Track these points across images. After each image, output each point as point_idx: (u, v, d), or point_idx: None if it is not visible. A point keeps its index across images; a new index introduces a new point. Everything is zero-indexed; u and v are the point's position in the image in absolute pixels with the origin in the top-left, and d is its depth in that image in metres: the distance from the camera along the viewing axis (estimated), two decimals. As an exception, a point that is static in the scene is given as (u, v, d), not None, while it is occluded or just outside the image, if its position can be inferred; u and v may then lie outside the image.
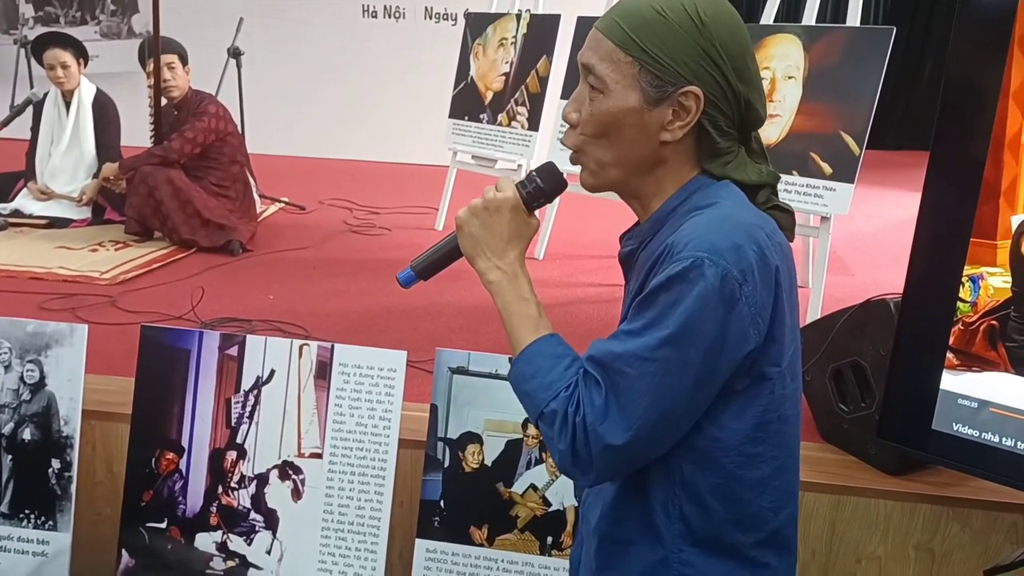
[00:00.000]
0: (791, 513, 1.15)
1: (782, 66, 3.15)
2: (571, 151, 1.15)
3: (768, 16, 3.49)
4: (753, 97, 1.10)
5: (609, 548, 1.16)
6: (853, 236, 4.68)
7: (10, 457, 2.15)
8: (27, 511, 2.13)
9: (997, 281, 1.66)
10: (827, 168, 2.97)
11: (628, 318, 1.07)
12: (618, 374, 1.03)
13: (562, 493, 2.00)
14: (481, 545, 2.02)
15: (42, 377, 2.15)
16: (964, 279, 1.67)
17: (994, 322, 1.65)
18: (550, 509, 2.00)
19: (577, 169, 1.17)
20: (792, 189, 3.01)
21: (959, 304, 1.68)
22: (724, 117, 1.09)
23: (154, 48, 4.10)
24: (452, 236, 1.20)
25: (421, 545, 2.03)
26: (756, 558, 1.12)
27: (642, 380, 1.01)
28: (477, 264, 1.17)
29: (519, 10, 4.62)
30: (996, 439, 1.63)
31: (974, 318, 1.68)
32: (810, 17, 3.41)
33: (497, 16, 4.65)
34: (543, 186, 1.18)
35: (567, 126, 1.15)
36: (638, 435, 1.02)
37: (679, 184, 1.12)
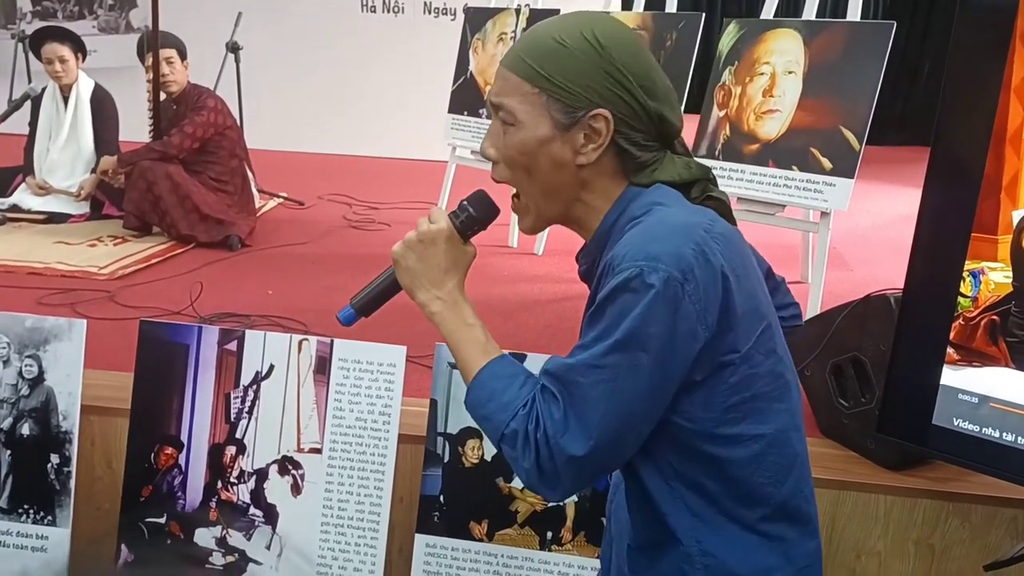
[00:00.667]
0: (796, 486, 1.15)
1: (782, 61, 3.15)
2: (512, 199, 1.19)
3: (768, 11, 3.48)
4: (665, 110, 1.13)
5: (636, 556, 1.18)
6: (853, 232, 4.67)
7: (9, 452, 2.15)
8: (26, 506, 2.13)
9: (998, 276, 1.66)
10: (827, 163, 2.96)
11: (581, 334, 1.09)
12: (572, 384, 1.04)
13: (562, 488, 1.99)
14: (481, 540, 2.02)
15: (41, 372, 2.14)
16: (965, 274, 1.67)
17: (995, 317, 1.65)
18: (550, 504, 2.00)
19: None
20: (792, 184, 3.01)
21: (960, 299, 1.68)
22: (639, 133, 1.12)
23: (153, 43, 4.09)
24: (390, 270, 1.22)
25: (421, 540, 2.03)
26: (768, 532, 1.13)
27: (595, 388, 1.03)
28: (417, 297, 1.19)
29: (518, 5, 4.61)
30: (997, 434, 1.63)
31: (975, 313, 1.67)
32: (810, 12, 3.40)
33: (496, 11, 4.64)
34: (475, 214, 1.20)
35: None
36: (599, 443, 1.03)
37: (611, 200, 1.14)
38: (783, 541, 1.14)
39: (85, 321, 2.17)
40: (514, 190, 1.19)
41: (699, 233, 1.06)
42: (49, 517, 2.12)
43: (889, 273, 2.88)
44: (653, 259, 1.02)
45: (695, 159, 1.17)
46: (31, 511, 2.13)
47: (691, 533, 1.12)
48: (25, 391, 2.15)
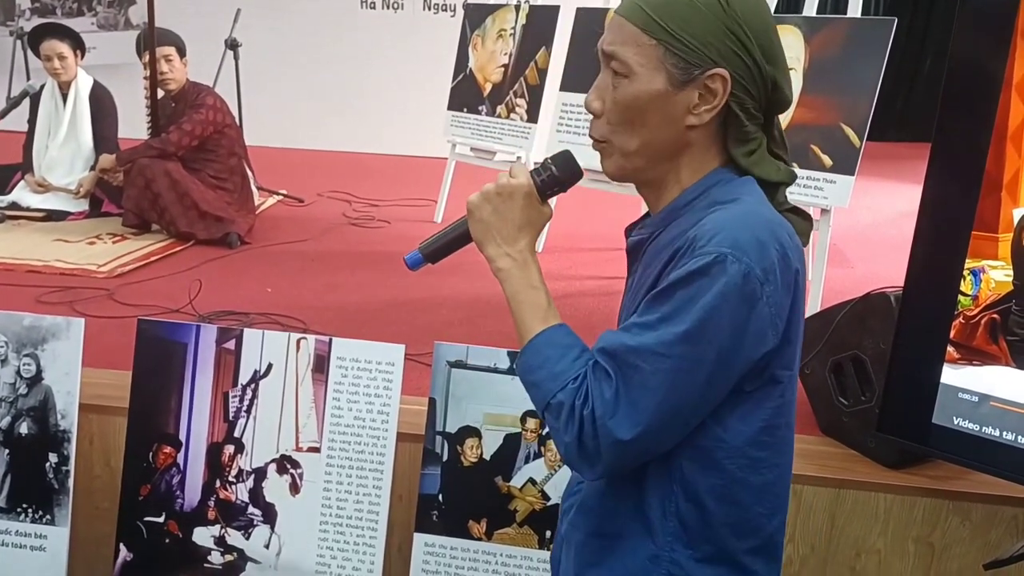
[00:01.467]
0: (782, 520, 1.14)
1: (782, 57, 3.14)
2: (593, 140, 1.13)
3: (769, 7, 3.47)
4: (780, 77, 1.08)
5: (596, 543, 1.14)
6: (853, 228, 4.67)
7: (7, 451, 2.14)
8: (24, 505, 2.13)
9: (998, 274, 1.65)
10: (827, 160, 2.95)
11: (641, 311, 1.04)
12: (631, 368, 1.01)
13: (561, 487, 1.98)
14: (480, 539, 2.01)
15: (39, 371, 2.14)
16: (965, 272, 1.67)
17: (995, 316, 1.65)
18: (549, 503, 1.99)
19: (591, 160, 1.15)
20: (792, 181, 3.00)
21: (960, 297, 1.68)
22: (751, 99, 1.07)
23: (149, 40, 4.08)
24: (462, 220, 1.17)
25: (420, 539, 2.03)
26: (747, 565, 1.10)
27: (656, 376, 1.00)
28: (487, 250, 1.14)
29: (518, 1, 4.60)
30: (996, 433, 1.63)
31: (975, 312, 1.67)
32: (811, 8, 3.39)
33: (496, 7, 4.63)
34: (558, 174, 1.15)
35: (591, 116, 1.12)
36: (648, 430, 1.00)
37: (698, 173, 1.10)
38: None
39: (83, 320, 2.17)
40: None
41: (784, 236, 1.03)
42: (48, 516, 2.12)
43: (889, 270, 2.88)
44: (739, 249, 0.98)
45: (785, 160, 1.13)
46: (30, 510, 2.13)
47: (670, 540, 1.09)
48: (23, 390, 2.14)
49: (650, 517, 1.09)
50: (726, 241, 0.99)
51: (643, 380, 1.00)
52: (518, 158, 4.38)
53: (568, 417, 1.03)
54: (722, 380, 1.02)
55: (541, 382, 1.07)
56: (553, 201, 1.23)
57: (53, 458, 2.12)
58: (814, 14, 3.38)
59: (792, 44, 3.14)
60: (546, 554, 1.99)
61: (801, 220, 1.13)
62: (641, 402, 1.00)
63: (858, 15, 3.26)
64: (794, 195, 3.01)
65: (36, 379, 2.14)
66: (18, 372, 2.15)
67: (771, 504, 1.11)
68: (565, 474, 1.99)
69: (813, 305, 2.87)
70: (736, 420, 1.06)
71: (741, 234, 1.00)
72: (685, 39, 1.04)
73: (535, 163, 1.32)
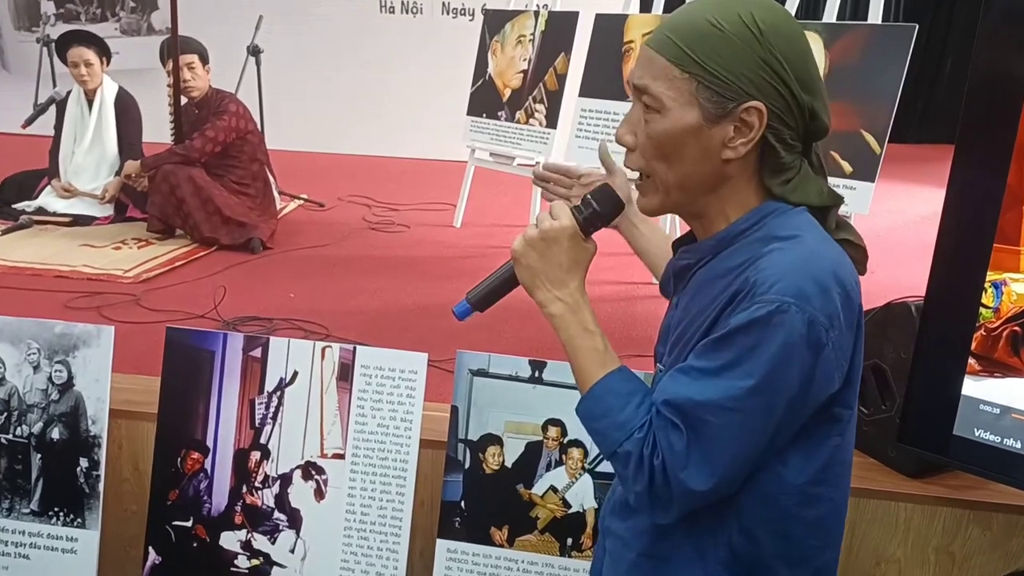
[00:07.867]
0: (835, 553, 1.15)
1: (802, 64, 3.14)
2: (636, 174, 1.12)
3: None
4: (817, 106, 1.05)
5: (646, 564, 1.14)
6: (873, 232, 4.64)
7: (39, 456, 2.19)
8: (56, 509, 2.17)
9: (1020, 287, 1.66)
10: (847, 167, 2.96)
11: (699, 352, 1.03)
12: (701, 423, 1.00)
13: (581, 495, 2.01)
14: (501, 546, 2.04)
15: (70, 377, 2.18)
16: (987, 285, 1.67)
17: (1016, 328, 1.65)
18: (570, 511, 2.01)
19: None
20: (812, 188, 3.01)
21: (981, 310, 1.68)
22: (789, 130, 1.04)
23: (173, 48, 4.14)
24: (508, 266, 1.16)
25: (442, 545, 2.05)
26: None
27: (727, 429, 0.99)
28: (537, 296, 1.12)
29: (537, 7, 4.62)
30: (1017, 445, 1.63)
31: (996, 324, 1.67)
32: (831, 14, 3.39)
33: (515, 13, 4.65)
34: (600, 210, 1.14)
35: (624, 148, 1.11)
36: (722, 480, 1.01)
37: (743, 205, 1.07)
38: None
39: (113, 328, 2.20)
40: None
41: (845, 274, 1.02)
42: (79, 520, 2.16)
43: (911, 276, 2.88)
44: (802, 298, 0.97)
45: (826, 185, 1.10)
46: (61, 514, 2.17)
47: (718, 566, 1.09)
48: (55, 396, 2.19)
49: (702, 543, 1.10)
50: (788, 289, 0.97)
51: (714, 433, 0.99)
52: (536, 163, 4.40)
53: (637, 467, 1.02)
54: (789, 424, 1.03)
55: (605, 431, 1.07)
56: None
57: (84, 463, 2.17)
58: (834, 20, 3.38)
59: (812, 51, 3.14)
60: (567, 561, 2.01)
61: (855, 251, 1.11)
62: (713, 454, 1.00)
63: (879, 18, 3.26)
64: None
65: (67, 385, 2.19)
66: (50, 378, 2.19)
67: (823, 538, 1.11)
68: (586, 482, 2.01)
69: (833, 312, 2.87)
70: (798, 458, 1.06)
71: (804, 282, 0.98)
72: (718, 72, 1.01)
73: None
